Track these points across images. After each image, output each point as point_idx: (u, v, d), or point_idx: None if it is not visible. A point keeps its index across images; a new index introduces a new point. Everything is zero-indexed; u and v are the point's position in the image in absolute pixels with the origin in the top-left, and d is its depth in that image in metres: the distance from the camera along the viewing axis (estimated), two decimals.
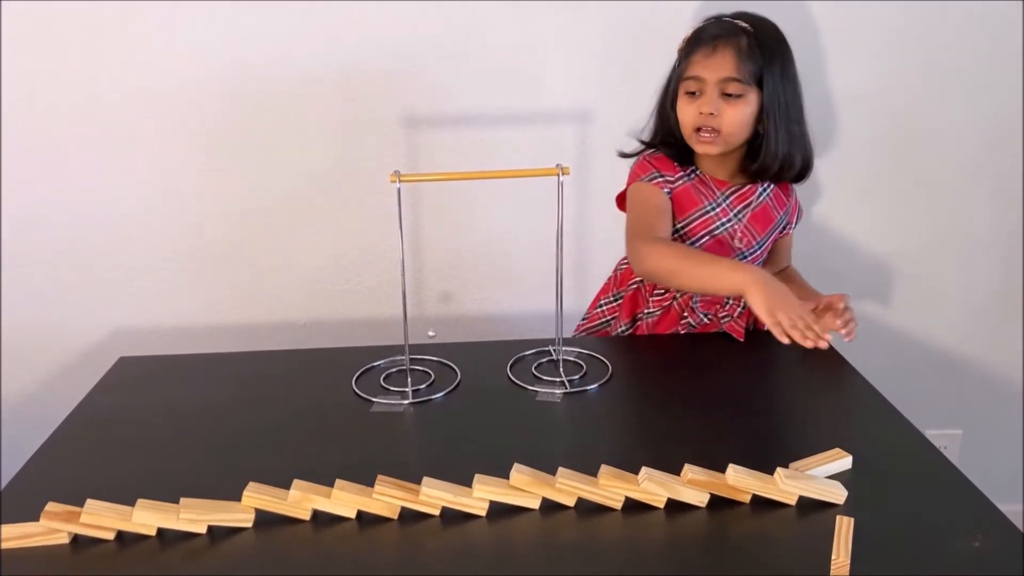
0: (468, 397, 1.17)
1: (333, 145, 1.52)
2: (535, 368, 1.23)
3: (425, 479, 0.89)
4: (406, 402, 1.14)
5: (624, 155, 1.36)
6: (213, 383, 1.23)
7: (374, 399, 1.15)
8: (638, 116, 1.48)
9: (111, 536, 0.86)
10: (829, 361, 1.25)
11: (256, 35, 1.44)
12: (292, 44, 1.44)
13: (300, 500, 0.87)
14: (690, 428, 1.07)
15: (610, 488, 0.88)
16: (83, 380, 1.25)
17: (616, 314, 1.40)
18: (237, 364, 1.30)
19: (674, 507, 0.89)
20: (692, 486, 0.88)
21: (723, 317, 1.31)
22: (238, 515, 0.87)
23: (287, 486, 0.88)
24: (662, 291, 1.34)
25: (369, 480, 0.89)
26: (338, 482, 0.89)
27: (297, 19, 1.43)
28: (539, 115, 1.51)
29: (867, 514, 0.85)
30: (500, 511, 0.89)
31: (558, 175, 1.12)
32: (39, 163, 1.49)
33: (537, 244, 1.55)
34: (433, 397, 1.16)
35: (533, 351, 1.28)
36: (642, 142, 1.35)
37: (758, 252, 1.34)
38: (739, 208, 1.30)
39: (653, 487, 0.88)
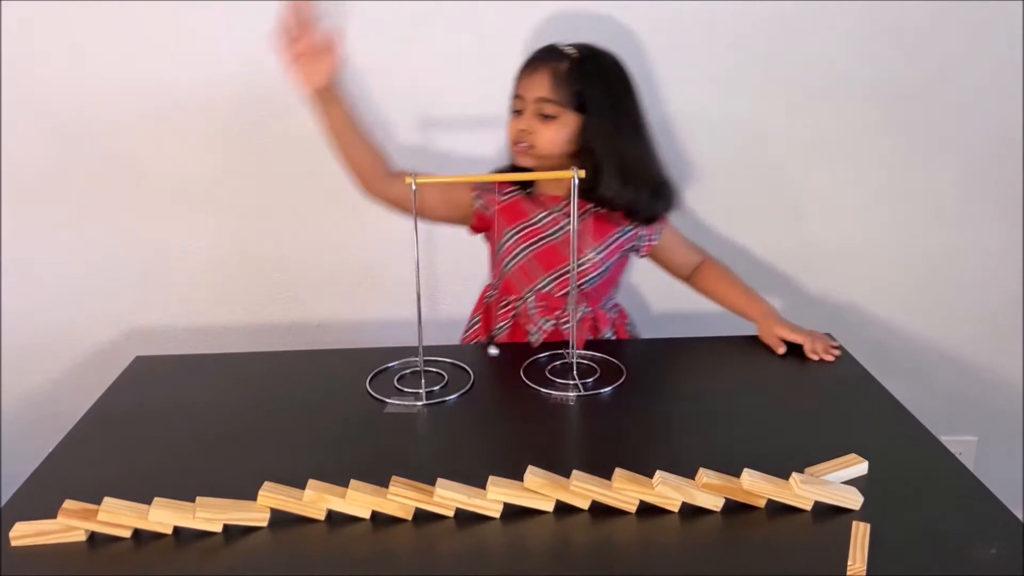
0: (482, 399, 1.17)
1: None
2: (548, 371, 1.23)
3: (439, 480, 0.89)
4: (420, 403, 1.15)
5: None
6: (228, 383, 1.24)
7: (388, 400, 1.15)
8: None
9: (128, 534, 0.86)
10: (845, 366, 1.25)
11: (272, 35, 1.44)
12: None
13: (315, 500, 0.88)
14: (704, 432, 1.07)
15: (624, 491, 0.88)
16: (98, 379, 1.26)
17: (478, 336, 1.42)
18: (252, 364, 1.30)
19: (688, 511, 0.89)
20: (707, 490, 0.88)
21: (564, 323, 1.31)
22: (254, 514, 0.88)
23: (302, 486, 0.89)
24: (505, 304, 1.35)
25: (383, 481, 0.89)
26: (353, 482, 0.89)
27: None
28: None
29: (883, 520, 0.85)
30: (514, 513, 0.89)
31: (573, 176, 1.12)
32: (55, 162, 1.50)
33: None
34: (447, 399, 1.16)
35: (547, 354, 1.28)
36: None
37: (596, 261, 1.31)
38: (565, 221, 1.31)
39: (667, 491, 0.88)
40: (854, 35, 1.46)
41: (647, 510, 0.89)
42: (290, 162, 1.52)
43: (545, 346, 1.31)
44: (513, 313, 1.35)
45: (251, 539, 0.87)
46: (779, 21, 1.45)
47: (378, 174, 1.28)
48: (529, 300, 1.33)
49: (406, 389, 1.18)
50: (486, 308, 1.41)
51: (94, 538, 0.87)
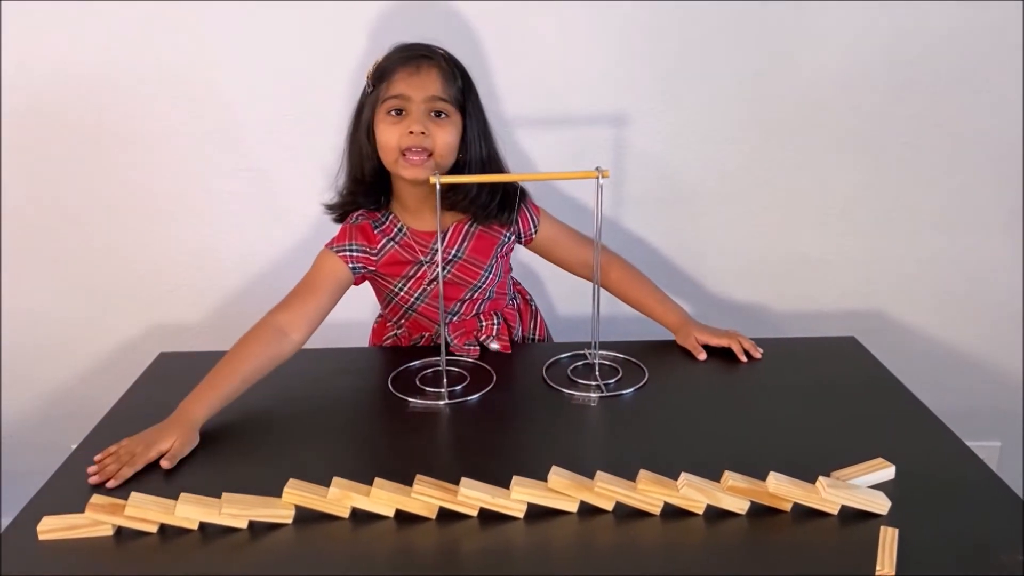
0: (504, 399, 1.17)
1: None
2: (570, 371, 1.23)
3: (463, 480, 0.89)
4: (442, 402, 1.15)
5: (329, 208, 1.27)
6: None
7: (410, 399, 1.15)
8: (673, 118, 1.49)
9: (154, 529, 0.87)
10: (870, 369, 1.24)
11: (291, 35, 1.45)
12: (325, 45, 1.45)
13: (340, 498, 0.88)
14: (728, 434, 1.06)
15: (649, 493, 0.88)
16: (122, 375, 1.27)
17: None
18: None
19: (713, 514, 0.88)
20: (732, 493, 0.88)
21: (484, 339, 1.29)
22: (279, 511, 0.88)
23: (326, 483, 0.89)
24: (420, 339, 1.32)
25: (407, 479, 0.90)
26: (377, 480, 0.89)
27: (331, 20, 1.43)
28: (572, 117, 1.50)
29: (911, 525, 0.84)
30: (538, 513, 0.89)
31: (597, 178, 1.12)
32: (77, 160, 1.51)
33: None
34: (469, 398, 1.16)
35: (568, 354, 1.28)
36: (339, 196, 1.26)
37: (491, 277, 1.27)
38: (454, 250, 1.24)
39: (693, 493, 0.87)
40: (861, 38, 1.46)
41: (671, 512, 0.89)
42: (309, 161, 1.53)
43: (565, 346, 1.31)
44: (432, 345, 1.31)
45: (276, 536, 0.87)
46: (782, 24, 1.44)
47: (280, 356, 1.16)
48: (445, 335, 1.24)
49: (428, 388, 1.18)
50: (392, 343, 1.36)
51: (121, 533, 0.87)
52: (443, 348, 1.19)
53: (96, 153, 1.51)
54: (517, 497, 0.88)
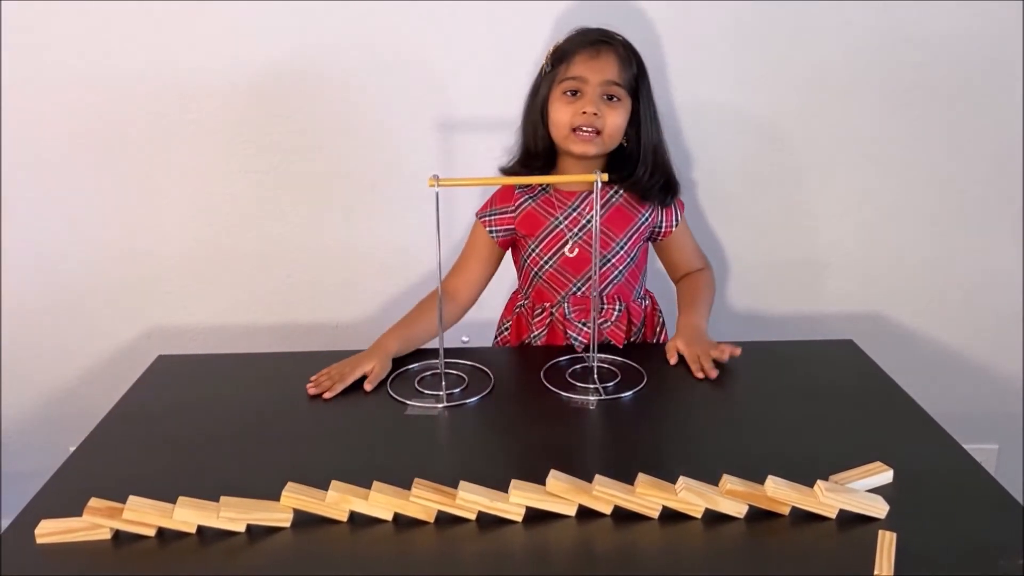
0: (502, 402, 1.17)
1: (368, 149, 1.53)
2: (569, 374, 1.23)
3: (462, 483, 0.89)
4: (441, 406, 1.15)
5: (502, 172, 1.33)
6: (251, 383, 1.24)
7: (408, 402, 1.15)
8: (669, 120, 1.49)
9: (152, 533, 0.87)
10: (867, 372, 1.24)
11: (293, 38, 1.45)
12: (328, 47, 1.46)
13: (338, 501, 0.88)
14: (726, 438, 1.06)
15: (647, 497, 0.88)
16: (119, 377, 1.27)
17: (508, 343, 1.41)
18: (274, 364, 1.31)
19: (712, 518, 0.88)
20: (731, 497, 0.88)
21: (602, 323, 1.31)
22: (277, 514, 0.88)
23: (324, 486, 0.89)
24: (540, 311, 1.35)
25: (405, 482, 0.90)
26: (376, 484, 0.89)
27: (334, 22, 1.44)
28: None
29: (909, 529, 0.84)
30: (536, 517, 0.89)
31: (596, 181, 1.12)
32: (78, 163, 1.52)
33: None
34: (467, 401, 1.16)
35: (567, 357, 1.28)
36: (512, 163, 1.32)
37: (622, 254, 1.31)
38: (590, 214, 1.28)
39: (691, 497, 0.87)
40: (860, 40, 1.46)
41: (670, 516, 0.89)
42: (310, 164, 1.53)
43: (565, 349, 1.31)
44: (549, 319, 1.34)
45: (274, 539, 0.87)
46: (787, 27, 1.45)
47: (450, 321, 1.33)
48: (565, 306, 1.31)
49: (426, 391, 1.18)
50: (517, 316, 1.40)
51: (119, 536, 0.87)
52: (440, 353, 1.19)
53: (93, 155, 1.51)
54: (515, 500, 0.88)
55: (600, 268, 1.30)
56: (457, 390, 1.19)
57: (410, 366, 1.25)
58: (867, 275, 1.62)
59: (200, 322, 1.64)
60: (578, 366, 1.25)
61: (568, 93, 1.22)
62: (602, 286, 1.32)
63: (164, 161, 1.52)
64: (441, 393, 1.17)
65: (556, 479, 0.89)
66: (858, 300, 1.64)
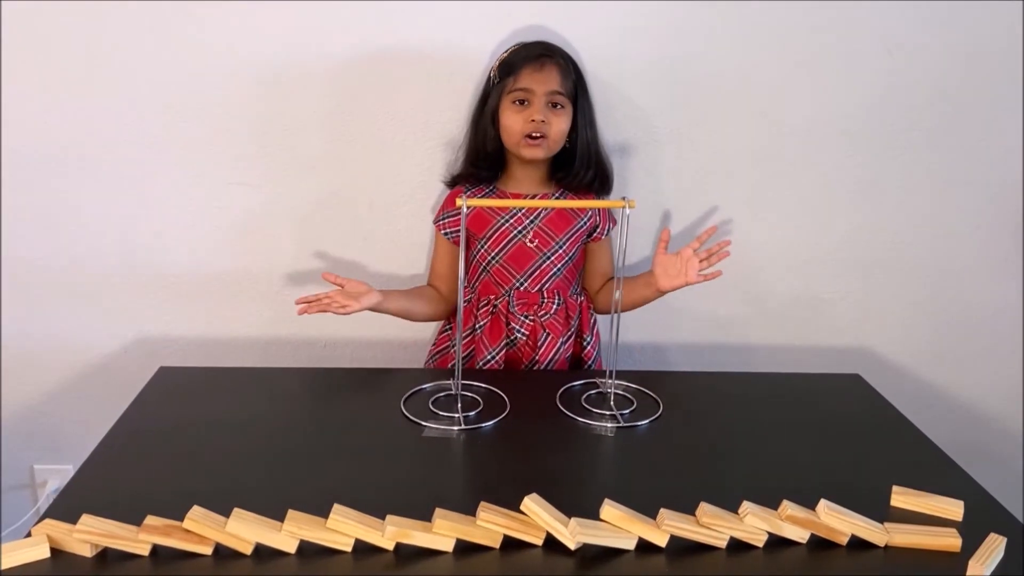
0: (519, 426, 1.13)
1: (361, 163, 1.49)
2: (584, 400, 1.22)
3: (528, 503, 0.87)
4: (457, 428, 1.13)
5: (449, 183, 1.44)
6: (256, 397, 1.20)
7: (425, 423, 1.12)
8: (665, 153, 1.49)
9: (209, 551, 0.83)
10: (876, 405, 1.26)
11: (292, 50, 1.41)
12: (329, 60, 1.41)
13: (395, 535, 0.84)
14: (743, 467, 1.06)
15: (715, 527, 0.87)
16: (109, 386, 1.22)
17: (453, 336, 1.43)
18: (279, 379, 1.27)
19: (769, 544, 0.88)
20: (791, 523, 0.87)
21: (542, 315, 1.36)
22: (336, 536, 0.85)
23: (337, 503, 0.86)
24: (485, 303, 1.38)
25: (420, 506, 0.87)
26: (438, 511, 0.86)
27: (335, 36, 1.40)
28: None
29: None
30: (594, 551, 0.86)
31: (624, 208, 1.12)
32: (75, 172, 1.43)
33: None
34: (483, 425, 1.14)
35: (581, 382, 1.27)
36: (459, 168, 1.42)
37: (560, 252, 1.37)
38: (533, 215, 1.37)
39: (756, 522, 0.87)
40: (857, 79, 1.49)
41: (692, 548, 0.87)
42: (307, 179, 1.49)
43: (580, 374, 1.30)
44: (492, 311, 1.38)
45: (328, 561, 0.83)
46: (777, 62, 1.46)
47: (441, 308, 1.42)
48: (510, 299, 1.37)
49: (441, 413, 1.16)
50: (466, 308, 1.41)
51: (106, 554, 0.83)
52: (457, 373, 1.18)
53: (90, 165, 1.46)
54: (578, 537, 0.85)
55: (540, 264, 1.36)
56: (472, 413, 1.17)
57: (423, 386, 1.23)
58: (862, 312, 1.63)
59: (184, 334, 1.56)
60: (593, 391, 1.24)
61: (517, 102, 1.31)
62: (542, 281, 1.37)
63: (160, 174, 1.45)
64: (457, 415, 1.15)
65: (612, 508, 0.86)
66: (852, 336, 1.65)
